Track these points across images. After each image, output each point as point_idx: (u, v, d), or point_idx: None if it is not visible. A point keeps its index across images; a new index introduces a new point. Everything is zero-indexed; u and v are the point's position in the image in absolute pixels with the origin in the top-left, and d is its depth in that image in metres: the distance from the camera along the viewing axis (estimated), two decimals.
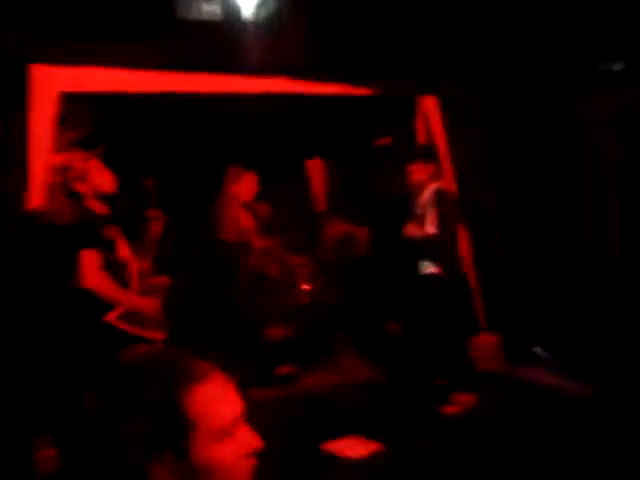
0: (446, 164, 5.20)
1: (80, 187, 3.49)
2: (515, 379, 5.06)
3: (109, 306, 3.42)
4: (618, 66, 4.73)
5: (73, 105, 3.87)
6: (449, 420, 4.54)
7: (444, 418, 4.56)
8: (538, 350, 5.23)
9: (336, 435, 3.97)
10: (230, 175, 5.24)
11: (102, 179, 3.56)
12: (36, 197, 3.66)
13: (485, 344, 5.40)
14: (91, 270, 3.36)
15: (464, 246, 5.28)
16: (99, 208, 3.55)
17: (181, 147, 4.97)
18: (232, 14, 6.25)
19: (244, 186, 5.28)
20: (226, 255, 5.12)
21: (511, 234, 5.27)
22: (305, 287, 5.59)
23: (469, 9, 4.74)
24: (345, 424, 4.37)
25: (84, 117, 4.03)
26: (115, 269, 3.49)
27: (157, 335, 3.54)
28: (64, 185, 3.56)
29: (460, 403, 4.65)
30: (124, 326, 3.42)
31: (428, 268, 4.88)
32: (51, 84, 3.78)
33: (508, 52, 4.81)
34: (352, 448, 3.79)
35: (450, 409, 4.61)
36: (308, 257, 5.90)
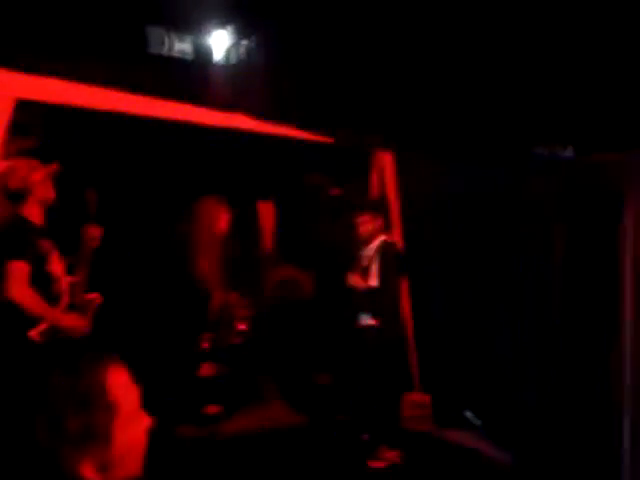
0: (395, 218, 5.28)
1: (21, 194, 3.39)
2: (442, 440, 5.04)
3: (33, 321, 3.29)
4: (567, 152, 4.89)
5: (25, 114, 3.80)
6: (372, 474, 4.49)
7: (368, 472, 4.51)
8: (468, 414, 5.23)
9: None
10: (209, 208, 5.20)
11: (45, 188, 3.47)
12: None
13: (416, 403, 5.39)
14: (18, 282, 3.22)
15: (405, 301, 5.31)
16: (36, 218, 3.44)
17: (129, 166, 4.91)
18: (203, 54, 6.36)
19: (223, 222, 5.27)
20: (193, 291, 5.04)
21: (452, 294, 5.31)
22: (241, 327, 5.50)
23: (431, 71, 4.89)
24: (268, 469, 4.28)
25: (34, 127, 3.96)
26: (45, 283, 3.35)
27: None
28: (2, 191, 3.45)
29: (385, 459, 4.61)
30: (46, 343, 3.29)
31: (366, 320, 4.85)
32: (9, 89, 3.71)
33: (468, 114, 4.94)
34: None
35: (375, 464, 4.57)
36: (248, 297, 5.83)
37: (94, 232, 3.67)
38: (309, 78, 5.56)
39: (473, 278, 5.15)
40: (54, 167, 3.47)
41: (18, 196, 3.40)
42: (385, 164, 5.37)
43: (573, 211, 4.39)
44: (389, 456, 4.63)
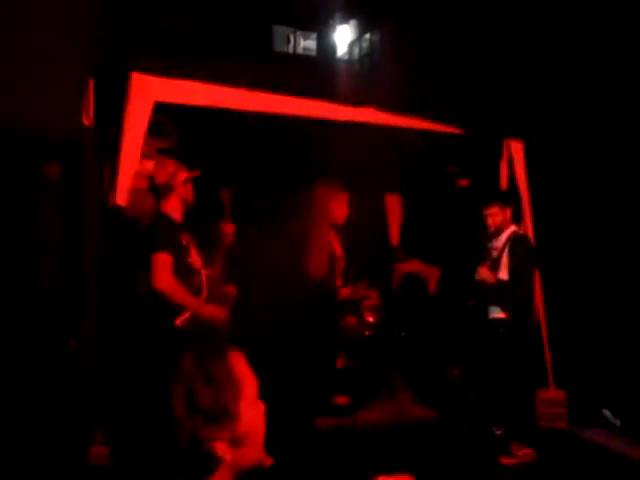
0: (526, 209, 5.11)
1: (165, 190, 3.61)
2: (577, 439, 4.85)
3: (177, 310, 3.49)
4: None
5: (163, 116, 4.01)
6: (504, 471, 4.40)
7: (500, 469, 4.42)
8: (606, 412, 5.00)
9: (387, 471, 3.89)
10: (321, 192, 4.74)
11: (187, 189, 3.68)
12: (121, 198, 3.78)
13: (551, 399, 5.21)
14: (163, 273, 3.44)
15: (537, 294, 5.13)
16: (177, 215, 3.65)
17: (263, 163, 5.03)
18: (327, 50, 6.47)
19: (338, 207, 4.77)
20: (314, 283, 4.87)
21: (588, 285, 5.09)
22: (370, 319, 5.53)
23: (560, 63, 4.72)
24: (395, 462, 4.29)
25: (172, 128, 4.18)
26: (186, 275, 3.56)
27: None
28: (148, 189, 3.70)
29: (519, 456, 4.49)
30: (188, 331, 3.48)
31: (497, 313, 4.75)
32: (149, 93, 3.91)
33: (601, 102, 4.74)
34: None
35: (507, 460, 4.46)
36: (376, 290, 5.85)
37: (229, 229, 3.86)
38: (437, 69, 5.51)
39: (610, 269, 4.92)
40: (197, 172, 3.68)
41: (163, 192, 3.63)
42: (515, 153, 5.20)
43: None
44: (521, 453, 4.51)
